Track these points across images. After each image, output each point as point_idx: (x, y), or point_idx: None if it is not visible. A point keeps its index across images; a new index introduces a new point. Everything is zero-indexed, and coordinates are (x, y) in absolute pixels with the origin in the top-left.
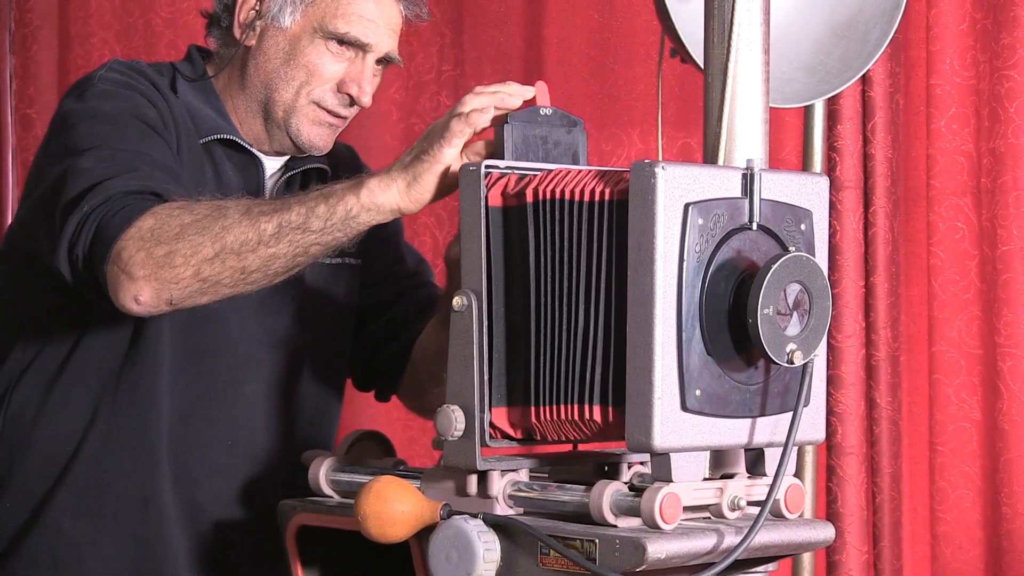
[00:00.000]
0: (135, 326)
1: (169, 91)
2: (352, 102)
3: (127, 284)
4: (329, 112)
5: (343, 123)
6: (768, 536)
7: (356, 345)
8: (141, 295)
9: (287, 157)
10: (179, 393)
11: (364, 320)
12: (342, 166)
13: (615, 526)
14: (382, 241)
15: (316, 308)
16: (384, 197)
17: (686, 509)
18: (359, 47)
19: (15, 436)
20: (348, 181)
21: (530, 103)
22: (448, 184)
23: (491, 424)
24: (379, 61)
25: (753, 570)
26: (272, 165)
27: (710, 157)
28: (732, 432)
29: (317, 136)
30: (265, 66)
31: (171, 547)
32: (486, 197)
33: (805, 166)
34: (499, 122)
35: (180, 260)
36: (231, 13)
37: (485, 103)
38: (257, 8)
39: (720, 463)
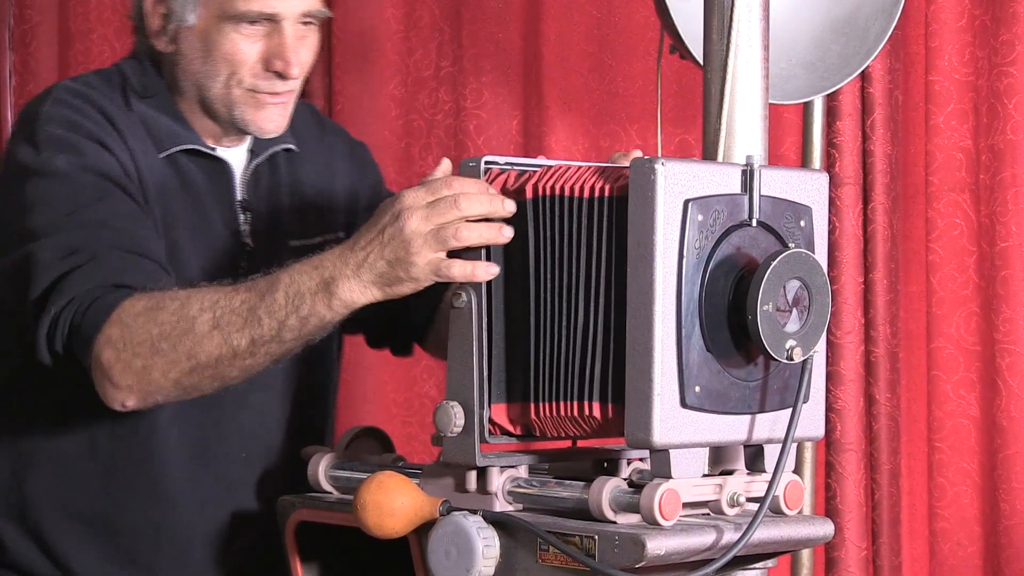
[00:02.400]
0: None
1: (122, 108)
2: (280, 75)
3: (112, 392)
4: (267, 93)
5: (289, 97)
6: (767, 532)
7: (369, 309)
8: (128, 402)
9: (249, 141)
10: (185, 416)
11: None
12: (307, 137)
13: (614, 522)
14: (367, 208)
15: None
16: (362, 298)
17: (685, 505)
18: (269, 19)
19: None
20: (309, 280)
21: None
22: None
23: (490, 420)
24: (304, 22)
25: (752, 566)
26: (238, 160)
27: (710, 153)
28: (731, 428)
29: (265, 120)
30: (189, 68)
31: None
32: None
33: (804, 162)
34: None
35: (158, 374)
36: (143, 23)
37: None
38: (164, 13)
39: (719, 459)
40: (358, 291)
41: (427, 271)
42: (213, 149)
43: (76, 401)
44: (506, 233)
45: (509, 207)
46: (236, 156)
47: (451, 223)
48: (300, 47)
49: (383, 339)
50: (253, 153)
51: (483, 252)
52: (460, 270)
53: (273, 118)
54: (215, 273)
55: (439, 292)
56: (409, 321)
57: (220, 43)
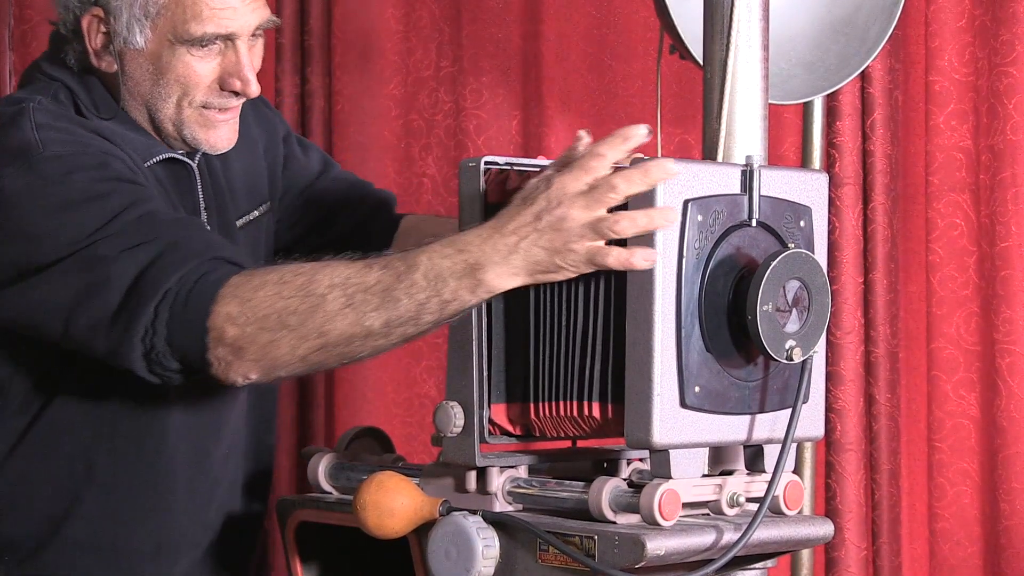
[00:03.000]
0: (123, 383)
1: (88, 126)
2: (237, 94)
3: (237, 365)
4: (217, 111)
5: (237, 111)
6: (767, 532)
7: (315, 241)
8: (252, 374)
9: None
10: (191, 424)
11: (313, 233)
12: (253, 122)
13: (614, 522)
14: (286, 164)
15: None
16: (508, 283)
17: (685, 505)
18: (224, 39)
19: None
20: (452, 264)
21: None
22: None
23: (490, 420)
24: (254, 34)
25: (752, 566)
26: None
27: (709, 154)
28: (731, 428)
29: (217, 138)
30: (137, 90)
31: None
32: (485, 193)
33: (804, 162)
34: None
35: (286, 349)
36: (80, 39)
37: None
38: (105, 32)
39: (719, 459)
40: (507, 276)
41: (585, 259)
42: (182, 154)
43: (71, 425)
44: (669, 218)
45: (668, 178)
46: (194, 164)
47: (609, 214)
48: (254, 61)
49: None
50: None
51: None
52: (616, 259)
53: (225, 135)
54: None
55: (394, 222)
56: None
57: (173, 66)
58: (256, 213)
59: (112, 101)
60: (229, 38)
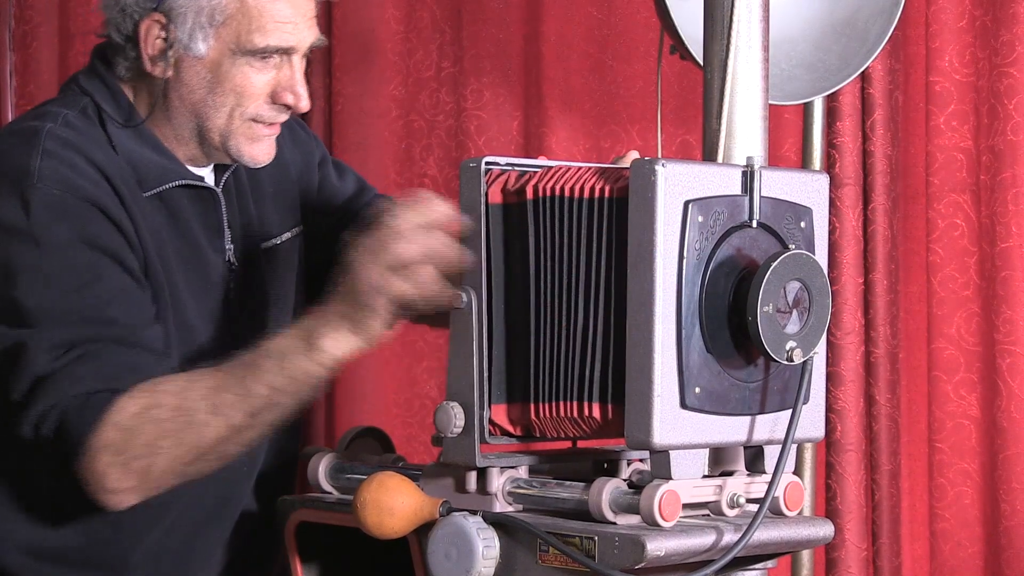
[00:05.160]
0: None
1: (107, 150)
2: (289, 107)
3: (107, 496)
4: (267, 125)
5: (278, 128)
6: (767, 533)
7: None
8: (124, 502)
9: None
10: None
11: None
12: (289, 145)
13: (614, 523)
14: (320, 189)
15: (263, 297)
16: (340, 350)
17: (685, 506)
18: (283, 52)
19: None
20: (292, 340)
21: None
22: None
23: (491, 421)
24: (304, 54)
25: (752, 567)
26: (212, 180)
27: (710, 154)
28: (731, 429)
29: (260, 152)
30: (190, 97)
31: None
32: (486, 194)
33: (804, 163)
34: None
35: (159, 472)
36: (135, 44)
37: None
38: (164, 37)
39: (719, 460)
40: (340, 340)
41: (386, 313)
42: (201, 180)
43: None
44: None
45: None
46: (210, 176)
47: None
48: (304, 80)
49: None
50: (218, 168)
51: (484, 253)
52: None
53: (267, 150)
54: (209, 304)
55: None
56: None
57: (232, 75)
58: (287, 235)
59: (131, 108)
60: (287, 52)
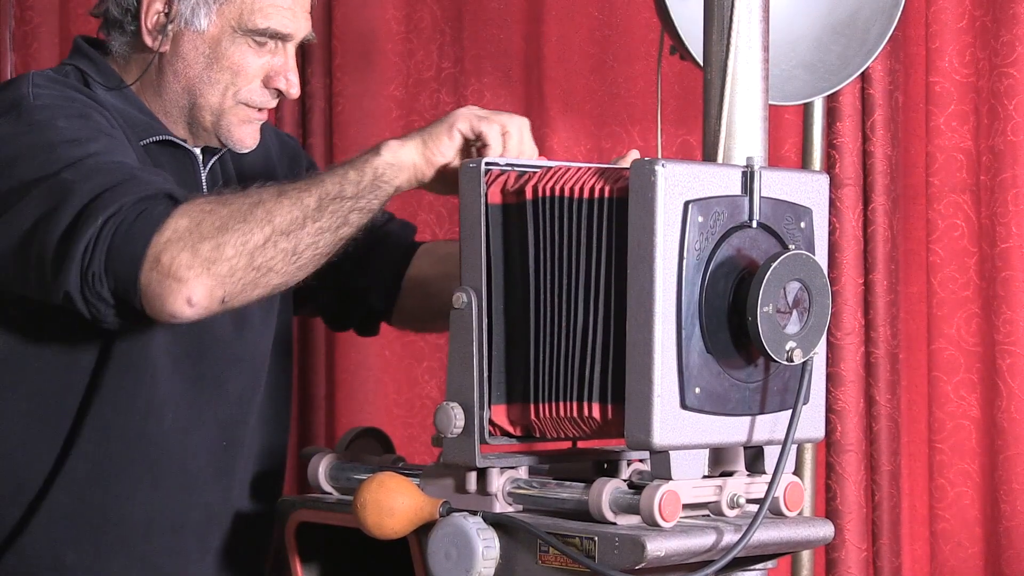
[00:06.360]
0: (105, 346)
1: (94, 97)
2: (279, 93)
3: (176, 288)
4: (257, 109)
5: (267, 115)
6: (767, 534)
7: (330, 296)
8: (194, 295)
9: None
10: (175, 402)
11: (334, 273)
12: (276, 151)
13: (614, 524)
14: None
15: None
16: (404, 152)
17: (685, 507)
18: (280, 38)
19: None
20: (366, 150)
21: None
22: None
23: (491, 421)
24: (296, 46)
25: (752, 568)
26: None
27: (710, 155)
28: (731, 430)
29: (247, 135)
30: (186, 72)
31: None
32: (486, 194)
33: (805, 163)
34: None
35: (231, 251)
36: (135, 18)
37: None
38: (166, 12)
39: (719, 461)
40: (401, 142)
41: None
42: (184, 141)
43: (56, 395)
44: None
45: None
46: (197, 152)
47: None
48: (295, 68)
49: (341, 322)
50: (206, 150)
51: (483, 253)
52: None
53: (253, 134)
54: None
55: (397, 276)
56: (369, 305)
57: (230, 53)
58: None
59: (117, 77)
60: (284, 38)
